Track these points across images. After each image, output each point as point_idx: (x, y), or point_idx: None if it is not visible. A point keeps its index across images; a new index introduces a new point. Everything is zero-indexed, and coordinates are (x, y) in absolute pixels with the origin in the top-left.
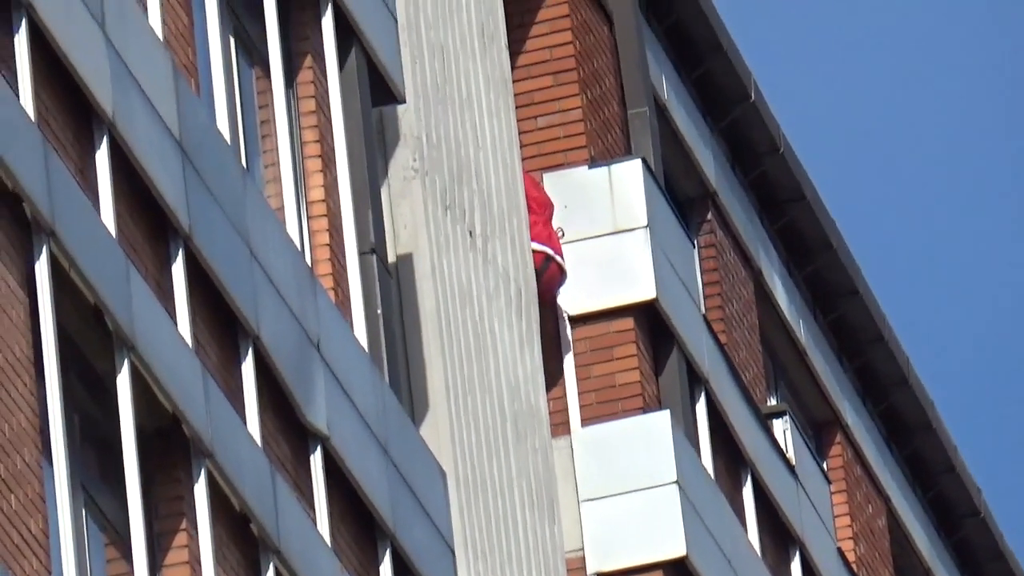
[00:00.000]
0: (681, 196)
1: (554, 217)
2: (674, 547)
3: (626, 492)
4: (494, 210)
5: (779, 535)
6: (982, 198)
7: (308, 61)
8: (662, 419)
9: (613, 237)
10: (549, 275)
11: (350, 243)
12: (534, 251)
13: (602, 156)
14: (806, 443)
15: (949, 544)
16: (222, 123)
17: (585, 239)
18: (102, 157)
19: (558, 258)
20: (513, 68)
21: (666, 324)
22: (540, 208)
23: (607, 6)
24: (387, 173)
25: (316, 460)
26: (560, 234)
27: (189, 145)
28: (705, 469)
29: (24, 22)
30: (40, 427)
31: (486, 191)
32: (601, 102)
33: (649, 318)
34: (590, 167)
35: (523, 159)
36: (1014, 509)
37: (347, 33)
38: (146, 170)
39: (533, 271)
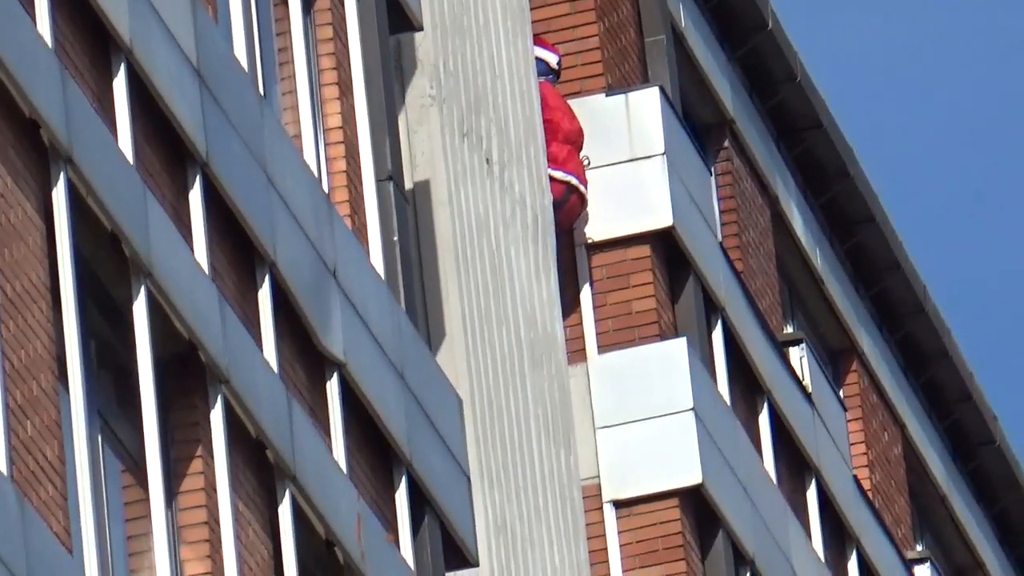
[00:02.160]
0: (698, 124)
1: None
2: (690, 475)
3: (642, 419)
4: (511, 137)
5: (795, 463)
6: (1000, 124)
7: None
8: (678, 347)
9: (630, 165)
10: (570, 206)
11: (367, 170)
12: (559, 180)
13: (619, 84)
14: (822, 371)
15: (965, 472)
16: (240, 50)
17: (602, 167)
18: (120, 84)
19: (582, 188)
20: None
21: (683, 252)
22: (575, 138)
23: None
24: (404, 101)
25: (332, 387)
26: (586, 162)
27: (207, 72)
28: (721, 397)
29: None
30: (56, 354)
31: (503, 119)
32: (618, 30)
33: (666, 246)
34: (607, 95)
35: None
36: None
37: None
38: (164, 97)
39: (550, 198)
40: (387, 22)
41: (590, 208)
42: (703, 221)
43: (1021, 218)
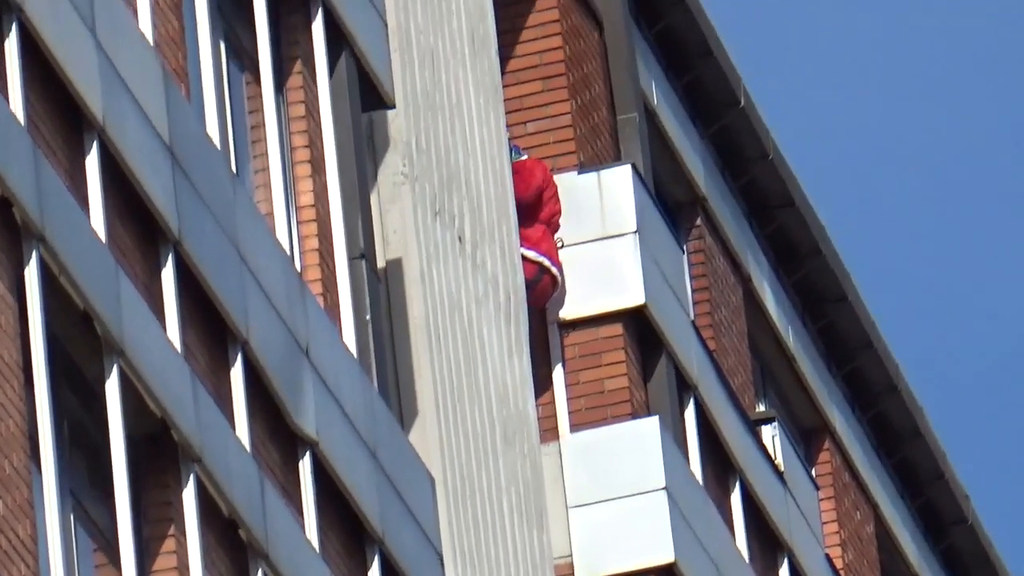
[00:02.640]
0: (670, 201)
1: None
2: (663, 553)
3: (615, 498)
4: (483, 216)
5: (767, 541)
6: (972, 204)
7: (298, 66)
8: (651, 425)
9: (602, 243)
10: (542, 287)
11: (339, 248)
12: (531, 260)
13: (591, 161)
14: (795, 449)
15: (937, 551)
16: (212, 128)
17: (575, 245)
18: (92, 162)
19: (554, 269)
20: (503, 73)
21: (655, 330)
22: (553, 219)
23: (597, 11)
24: (377, 179)
25: (305, 466)
26: (560, 244)
27: (179, 150)
28: (694, 475)
29: (15, 26)
30: (29, 432)
31: (475, 197)
32: (591, 107)
33: (638, 324)
34: (579, 172)
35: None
36: (1002, 516)
37: (337, 38)
38: (136, 175)
39: (522, 277)
40: (359, 99)
41: (562, 286)
42: (675, 299)
43: (993, 296)
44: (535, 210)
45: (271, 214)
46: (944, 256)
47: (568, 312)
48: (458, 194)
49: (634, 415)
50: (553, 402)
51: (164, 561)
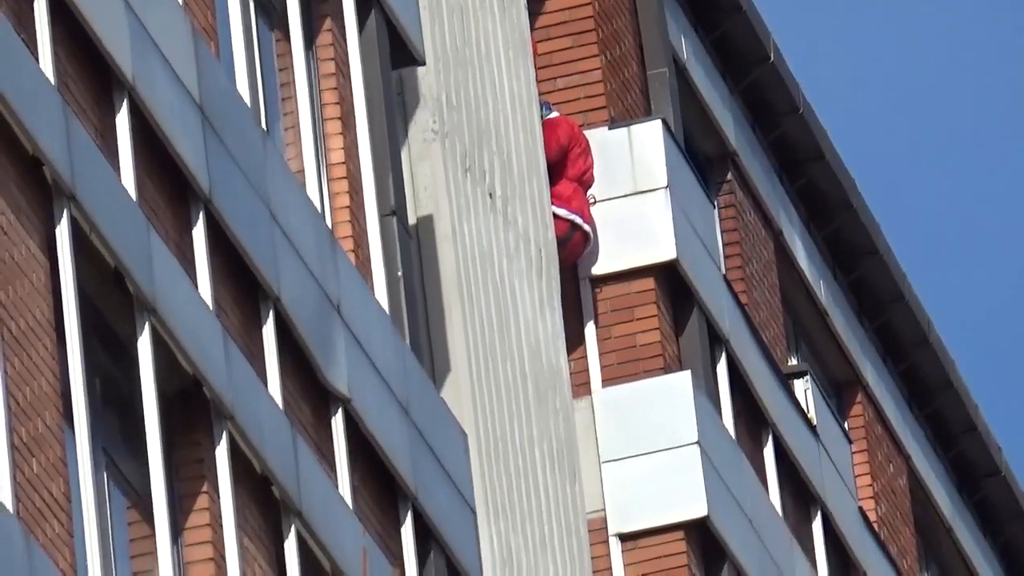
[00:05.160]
0: (701, 156)
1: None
2: (695, 507)
3: (647, 453)
4: (514, 172)
5: (800, 495)
6: (1003, 156)
7: (327, 23)
8: (683, 379)
9: (633, 198)
10: (572, 244)
11: (370, 205)
12: (562, 218)
13: (622, 117)
14: (827, 403)
15: (970, 503)
16: (242, 86)
17: (605, 200)
18: (122, 121)
19: (585, 226)
20: (532, 29)
21: (686, 284)
22: (584, 177)
23: None
24: (407, 135)
25: (337, 422)
26: (592, 201)
27: (209, 108)
28: (726, 429)
29: None
30: (61, 391)
31: (506, 153)
32: (621, 63)
33: (669, 278)
34: (610, 128)
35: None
36: None
37: None
38: (166, 133)
39: (553, 232)
40: (389, 56)
41: (593, 242)
42: (707, 254)
43: None
44: (563, 167)
45: (301, 171)
46: (975, 208)
47: (600, 268)
48: (488, 150)
49: (666, 369)
50: (585, 357)
51: (197, 518)
